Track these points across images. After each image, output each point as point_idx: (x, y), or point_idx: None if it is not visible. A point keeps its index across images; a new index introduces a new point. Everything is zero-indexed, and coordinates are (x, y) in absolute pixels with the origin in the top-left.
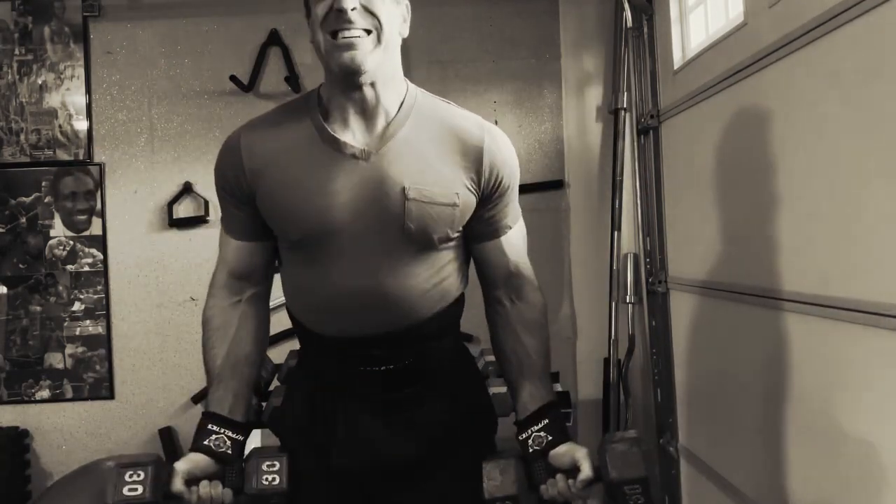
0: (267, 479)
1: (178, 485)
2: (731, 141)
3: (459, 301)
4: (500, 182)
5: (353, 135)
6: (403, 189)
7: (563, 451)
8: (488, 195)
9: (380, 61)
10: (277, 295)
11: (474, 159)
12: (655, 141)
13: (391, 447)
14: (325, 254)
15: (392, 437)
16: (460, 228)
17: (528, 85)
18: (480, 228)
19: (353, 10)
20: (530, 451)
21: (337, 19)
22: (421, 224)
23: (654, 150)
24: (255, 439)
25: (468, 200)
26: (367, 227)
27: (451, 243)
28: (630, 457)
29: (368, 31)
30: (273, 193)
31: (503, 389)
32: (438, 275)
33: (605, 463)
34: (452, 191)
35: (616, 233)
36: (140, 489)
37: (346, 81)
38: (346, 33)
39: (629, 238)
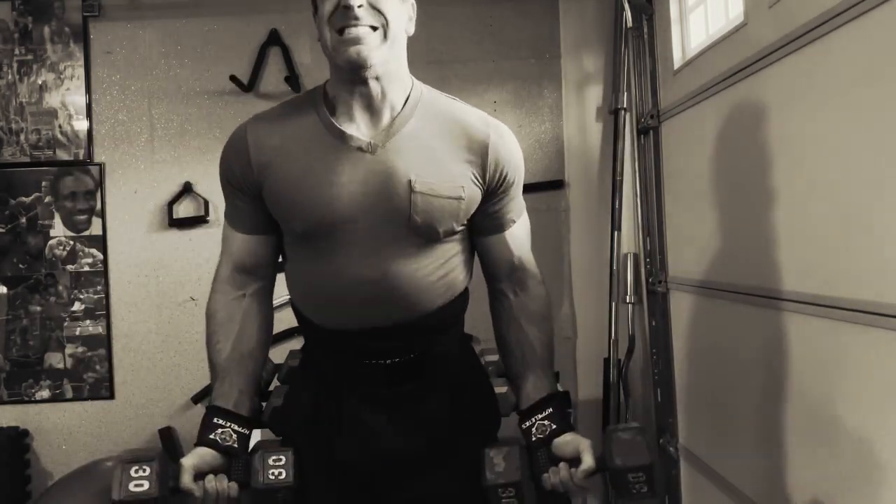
0: (274, 474)
1: (186, 480)
2: (731, 141)
3: (464, 295)
4: (505, 177)
5: (358, 128)
6: (409, 182)
7: (567, 441)
8: (493, 190)
9: (386, 57)
10: (281, 293)
11: (479, 154)
12: (655, 141)
13: (394, 442)
14: (330, 246)
15: (395, 432)
16: (465, 222)
17: (528, 85)
18: (485, 223)
19: (359, 6)
20: (533, 439)
21: (343, 16)
22: (427, 217)
23: (654, 150)
24: (255, 439)
25: (473, 194)
26: (374, 218)
27: (456, 236)
28: (634, 445)
29: (374, 28)
30: (280, 186)
31: (504, 389)
32: (444, 267)
33: (610, 451)
34: (458, 184)
35: (616, 233)
36: (146, 485)
37: (353, 76)
38: (353, 29)
39: (629, 238)
